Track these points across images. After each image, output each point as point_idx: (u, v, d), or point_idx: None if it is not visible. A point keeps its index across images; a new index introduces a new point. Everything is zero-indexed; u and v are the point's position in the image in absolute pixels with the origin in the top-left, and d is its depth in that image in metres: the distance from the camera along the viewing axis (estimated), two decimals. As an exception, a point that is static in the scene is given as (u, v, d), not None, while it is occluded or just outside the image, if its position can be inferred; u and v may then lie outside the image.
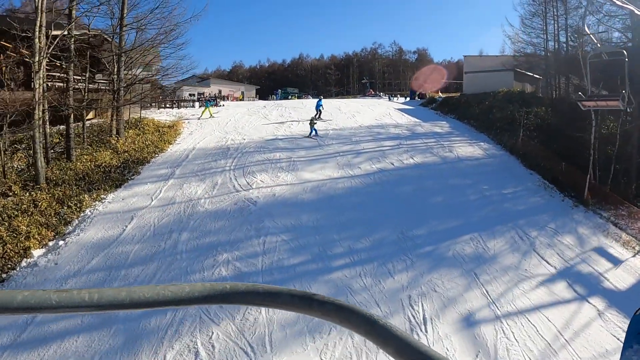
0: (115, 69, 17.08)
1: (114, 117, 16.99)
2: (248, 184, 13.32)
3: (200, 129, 20.04)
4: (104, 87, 17.98)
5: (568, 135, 17.34)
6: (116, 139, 16.65)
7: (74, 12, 14.61)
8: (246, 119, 22.71)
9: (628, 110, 14.97)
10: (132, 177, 14.00)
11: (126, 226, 11.09)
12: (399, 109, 27.36)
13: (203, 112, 23.12)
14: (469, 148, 18.68)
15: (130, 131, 17.93)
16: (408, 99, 36.90)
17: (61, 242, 10.51)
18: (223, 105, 29.45)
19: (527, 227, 11.57)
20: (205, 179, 13.68)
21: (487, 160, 17.43)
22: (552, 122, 19.85)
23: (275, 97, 51.77)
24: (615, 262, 10.48)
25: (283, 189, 12.99)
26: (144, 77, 19.64)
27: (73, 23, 14.57)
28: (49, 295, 0.51)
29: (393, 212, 11.63)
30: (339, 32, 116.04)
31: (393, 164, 15.85)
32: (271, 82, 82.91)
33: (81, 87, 16.27)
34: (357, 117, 24.23)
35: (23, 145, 14.82)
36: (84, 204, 12.27)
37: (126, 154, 15.68)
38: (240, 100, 45.84)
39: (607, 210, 13.93)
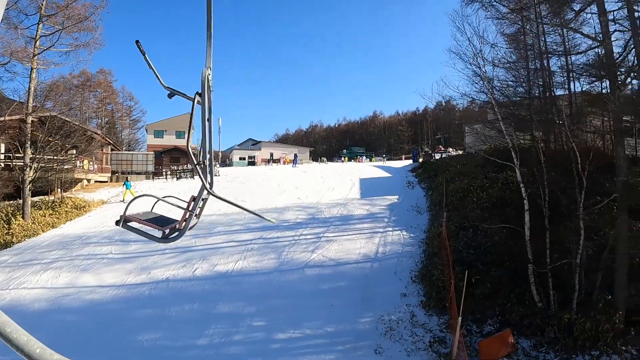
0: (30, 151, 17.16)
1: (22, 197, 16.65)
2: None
3: (105, 211, 18.39)
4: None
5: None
6: (18, 220, 15.99)
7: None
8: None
9: None
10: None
11: None
12: (363, 178, 21.18)
13: (125, 194, 21.08)
14: (358, 243, 12.34)
15: (41, 211, 17.24)
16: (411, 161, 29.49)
17: None
18: (218, 175, 27.63)
19: None
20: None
21: (353, 267, 10.74)
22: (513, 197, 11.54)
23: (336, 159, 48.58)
24: None
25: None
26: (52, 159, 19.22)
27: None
28: None
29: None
30: (412, 88, 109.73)
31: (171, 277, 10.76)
32: (345, 141, 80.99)
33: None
34: (284, 194, 19.22)
35: None
36: None
37: (8, 237, 15.24)
38: (288, 163, 44.45)
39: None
